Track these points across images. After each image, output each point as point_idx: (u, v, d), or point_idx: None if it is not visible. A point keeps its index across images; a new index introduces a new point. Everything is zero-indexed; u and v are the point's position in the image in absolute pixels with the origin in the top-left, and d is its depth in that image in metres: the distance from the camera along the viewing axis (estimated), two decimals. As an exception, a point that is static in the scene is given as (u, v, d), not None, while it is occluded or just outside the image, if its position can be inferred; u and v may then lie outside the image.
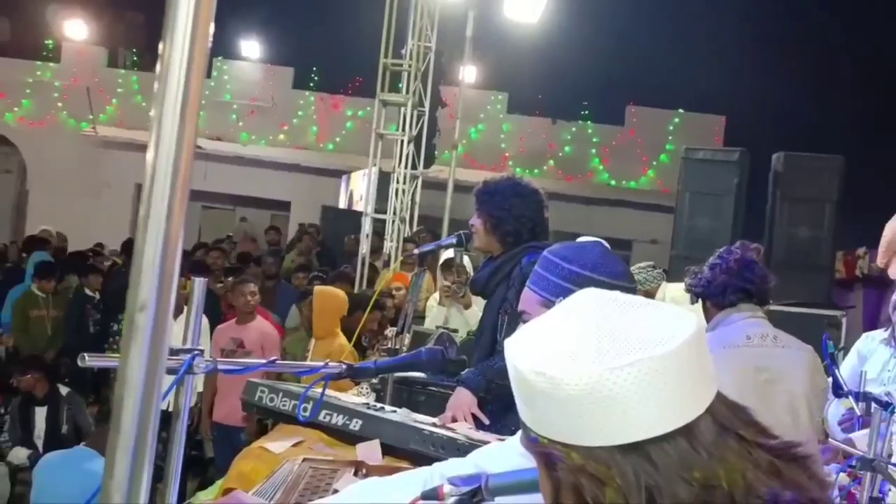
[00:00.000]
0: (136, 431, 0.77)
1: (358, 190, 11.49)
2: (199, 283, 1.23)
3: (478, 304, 5.06)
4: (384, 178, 9.91)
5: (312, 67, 14.59)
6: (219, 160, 13.99)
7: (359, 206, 11.09)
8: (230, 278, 6.77)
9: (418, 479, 1.33)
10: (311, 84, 14.59)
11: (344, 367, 1.47)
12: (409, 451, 2.12)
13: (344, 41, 15.19)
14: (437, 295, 5.18)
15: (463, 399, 2.45)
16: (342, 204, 12.47)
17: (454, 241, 2.77)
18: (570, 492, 0.70)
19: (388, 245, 8.10)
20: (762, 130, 11.74)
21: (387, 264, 7.63)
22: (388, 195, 9.48)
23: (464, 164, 13.39)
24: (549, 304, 1.46)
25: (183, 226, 0.78)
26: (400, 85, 8.46)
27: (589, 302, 0.76)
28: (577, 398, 0.68)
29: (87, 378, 6.52)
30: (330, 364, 1.42)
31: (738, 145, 6.93)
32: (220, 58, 14.33)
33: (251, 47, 14.46)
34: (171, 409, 1.22)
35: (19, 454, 5.39)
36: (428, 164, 9.13)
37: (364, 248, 7.81)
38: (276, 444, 2.15)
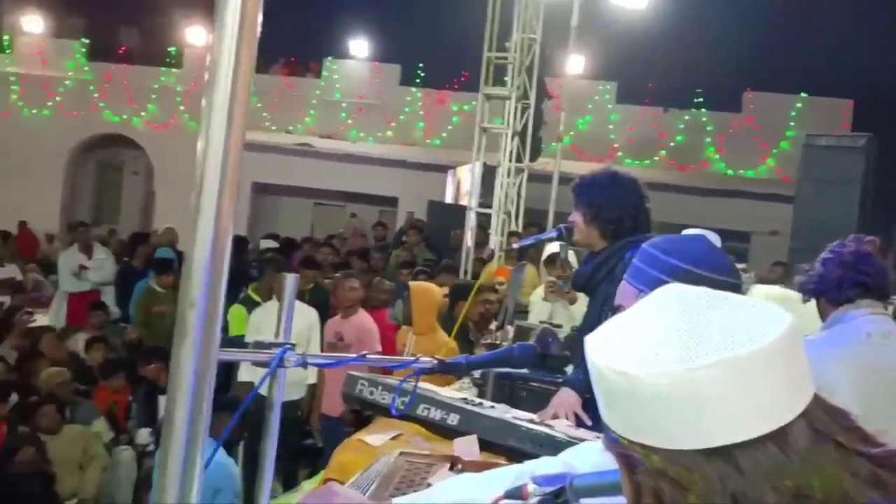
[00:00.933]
0: (187, 427, 0.77)
1: (464, 184, 11.52)
2: (290, 279, 1.25)
3: (583, 300, 4.96)
4: (489, 172, 9.90)
5: (418, 64, 14.74)
6: (329, 158, 14.40)
7: (464, 201, 11.13)
8: (338, 273, 6.93)
9: (509, 475, 1.30)
10: (418, 80, 14.74)
11: (435, 362, 1.45)
12: (506, 448, 2.08)
13: (449, 36, 15.27)
14: (541, 289, 5.10)
15: (566, 398, 2.39)
16: (449, 198, 12.55)
17: (554, 235, 2.71)
18: (650, 496, 0.66)
19: (494, 239, 8.08)
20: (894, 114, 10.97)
21: (490, 258, 7.61)
22: (493, 189, 9.47)
23: (571, 157, 13.18)
24: None
25: (231, 222, 0.78)
26: (505, 78, 8.40)
27: (673, 297, 0.71)
28: (659, 398, 0.64)
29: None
30: (421, 359, 1.41)
31: (867, 131, 6.50)
32: (329, 58, 14.72)
33: (359, 46, 14.76)
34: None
35: (143, 434, 5.72)
36: (534, 157, 9.04)
37: (469, 241, 7.81)
38: (375, 436, 2.17)
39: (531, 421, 2.20)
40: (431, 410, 2.28)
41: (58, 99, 14.94)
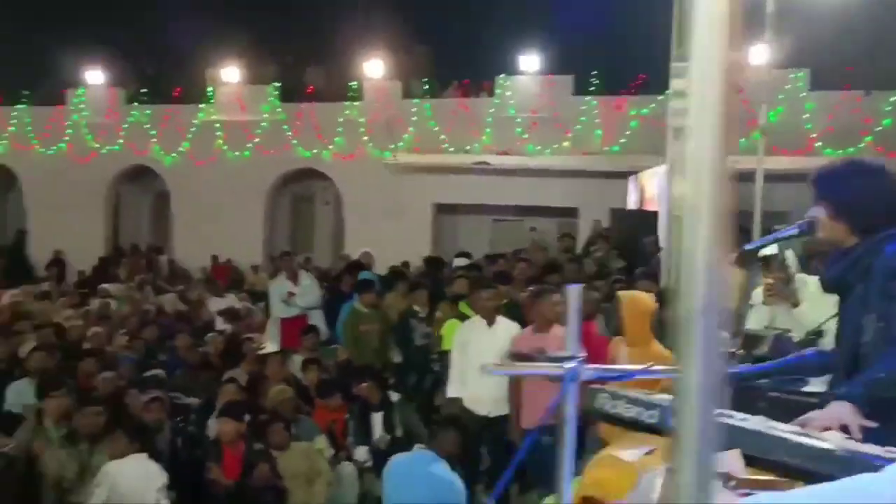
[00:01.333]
0: (699, 437, 0.75)
1: (649, 189, 11.17)
2: (573, 291, 1.22)
3: (809, 303, 4.59)
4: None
5: (591, 71, 14.51)
6: (506, 174, 14.51)
7: (650, 206, 10.79)
8: (531, 287, 6.92)
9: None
10: (592, 88, 14.52)
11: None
12: (775, 463, 1.94)
13: (622, 41, 14.96)
14: (758, 292, 4.79)
15: (840, 410, 2.18)
16: (631, 205, 12.23)
17: (795, 231, 2.52)
18: None
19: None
20: None
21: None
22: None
23: (764, 151, 12.43)
24: None
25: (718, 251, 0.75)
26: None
27: None
28: None
29: (410, 386, 7.04)
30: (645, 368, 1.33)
31: None
32: (501, 75, 14.85)
33: (530, 61, 14.78)
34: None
35: (361, 452, 5.97)
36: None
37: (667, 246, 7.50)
38: (627, 452, 2.10)
39: (796, 434, 2.04)
40: (684, 424, 2.18)
41: (256, 140, 16.16)
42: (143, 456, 4.87)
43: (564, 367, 1.12)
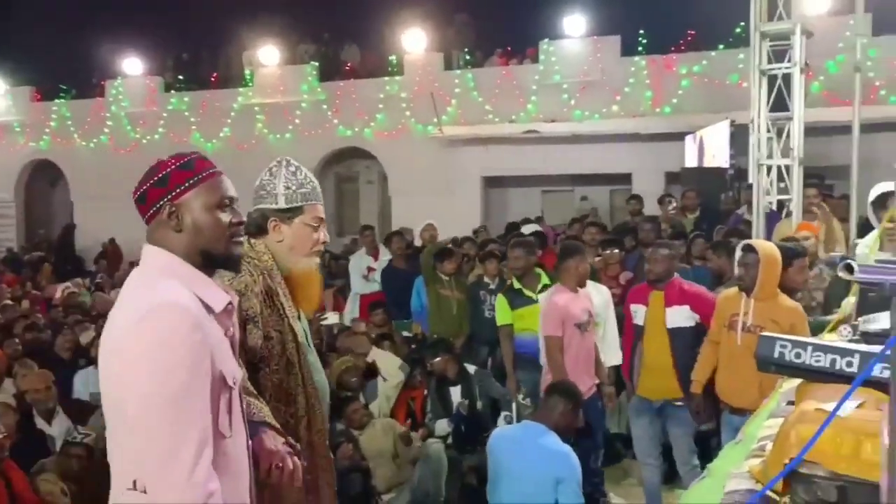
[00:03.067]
0: None
1: (711, 146, 10.72)
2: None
3: None
4: (740, 131, 9.10)
5: (639, 31, 14.01)
6: (555, 142, 14.09)
7: (713, 163, 10.36)
8: (608, 251, 6.62)
9: None
10: (640, 48, 14.02)
11: None
12: None
13: (668, -2, 14.40)
14: (869, 239, 4.43)
15: None
16: (690, 164, 11.77)
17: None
18: None
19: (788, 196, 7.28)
20: None
21: (787, 215, 6.88)
22: (746, 147, 8.64)
23: (822, 103, 11.89)
24: None
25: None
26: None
27: None
28: None
29: (483, 358, 6.77)
30: None
31: None
32: (545, 40, 14.41)
33: (574, 23, 14.29)
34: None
35: (441, 426, 5.75)
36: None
37: (763, 200, 7.04)
38: (832, 405, 1.79)
39: None
40: (898, 370, 1.86)
41: (297, 122, 15.97)
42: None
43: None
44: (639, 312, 4.80)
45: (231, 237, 1.93)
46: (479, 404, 5.74)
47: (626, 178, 14.11)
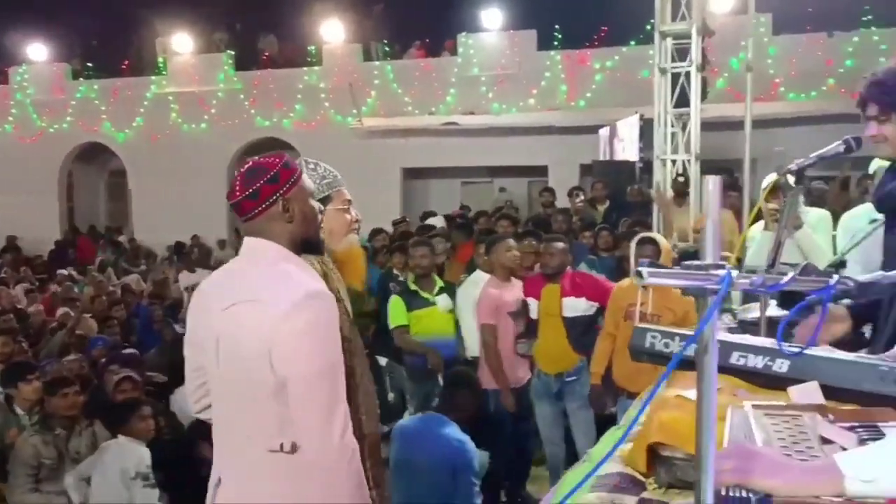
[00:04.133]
0: None
1: (621, 139, 11.05)
2: (713, 180, 1.03)
3: (807, 228, 4.49)
4: (650, 125, 9.40)
5: (555, 25, 14.27)
6: (474, 134, 14.27)
7: (623, 157, 10.69)
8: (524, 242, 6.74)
9: None
10: (556, 43, 14.29)
11: (853, 283, 1.20)
12: (861, 394, 1.79)
13: (583, -8, 14.70)
14: (759, 225, 4.69)
15: None
16: (602, 157, 12.09)
17: (842, 148, 2.36)
18: None
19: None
20: None
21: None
22: (652, 140, 8.95)
23: (727, 99, 12.38)
24: None
25: None
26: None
27: None
28: None
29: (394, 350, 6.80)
30: (841, 279, 1.16)
31: None
32: (463, 33, 14.53)
33: (492, 16, 14.47)
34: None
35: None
36: (703, 100, 8.46)
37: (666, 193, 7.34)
38: (691, 391, 1.93)
39: (881, 361, 1.89)
40: (750, 358, 2.02)
41: (213, 112, 15.65)
42: (124, 438, 4.62)
43: (715, 274, 0.93)
44: (532, 306, 4.92)
45: (320, 224, 2.24)
46: (390, 396, 5.79)
47: (543, 171, 14.40)
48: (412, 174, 15.43)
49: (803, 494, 1.12)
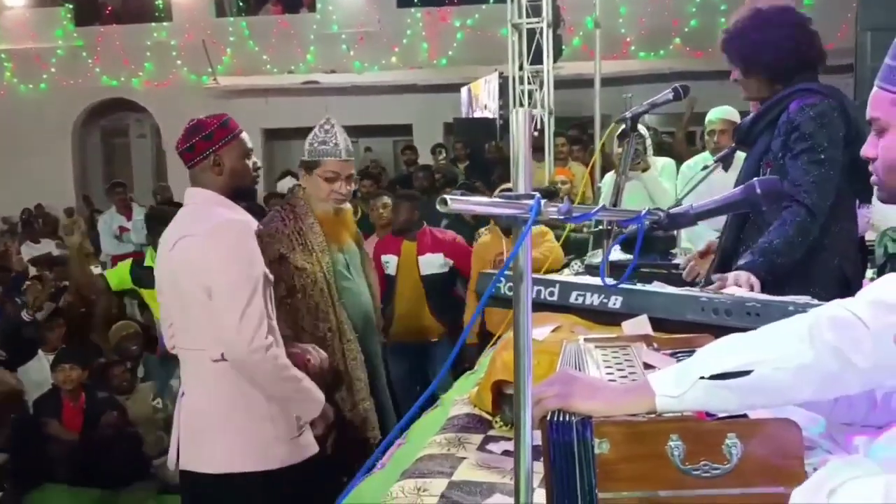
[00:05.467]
0: None
1: (481, 98, 11.18)
2: (520, 112, 1.04)
3: (654, 169, 4.74)
4: (507, 82, 9.56)
5: (414, -18, 14.17)
6: (336, 93, 13.99)
7: (484, 113, 10.83)
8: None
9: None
10: (416, 0, 14.19)
11: (662, 213, 1.26)
12: (685, 323, 1.91)
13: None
14: (610, 174, 4.90)
15: (738, 277, 2.17)
16: (464, 115, 12.21)
17: (671, 95, 2.49)
18: None
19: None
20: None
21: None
22: (512, 97, 9.11)
23: (582, 57, 12.75)
24: None
25: None
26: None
27: None
28: None
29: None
30: (650, 210, 1.22)
31: None
32: (322, -11, 14.16)
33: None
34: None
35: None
36: (556, 58, 8.68)
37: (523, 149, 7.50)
38: (534, 331, 1.99)
39: (704, 292, 2.02)
40: (587, 296, 2.11)
41: (52, 70, 14.53)
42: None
43: (525, 203, 0.95)
44: (390, 263, 4.87)
45: (254, 178, 2.62)
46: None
47: (407, 130, 14.37)
48: (273, 135, 14.99)
49: (620, 413, 1.18)
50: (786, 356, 1.11)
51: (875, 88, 1.29)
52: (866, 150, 1.35)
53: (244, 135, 2.60)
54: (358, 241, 3.43)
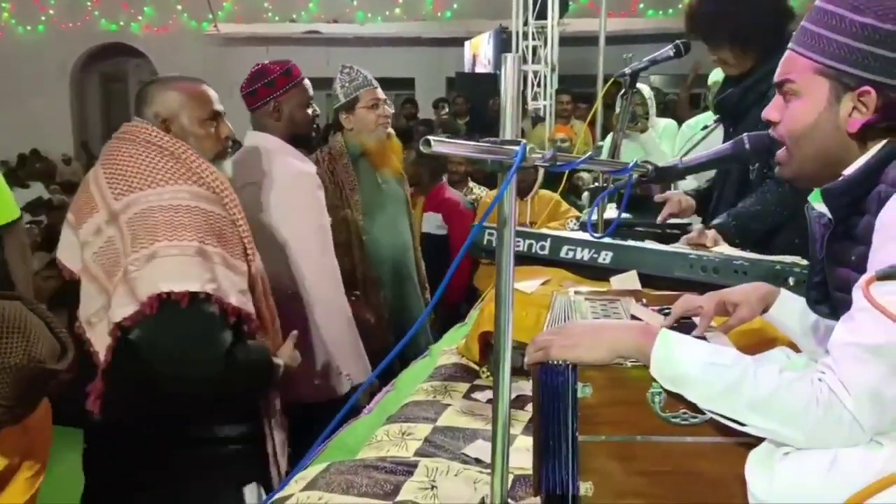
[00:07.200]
0: None
1: (482, 54, 11.05)
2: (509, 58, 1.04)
3: (654, 130, 4.72)
4: (508, 37, 9.45)
5: (420, -69, 13.89)
6: (338, 44, 13.79)
7: (487, 68, 10.72)
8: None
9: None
10: (421, -50, 13.93)
11: (651, 167, 1.26)
12: (671, 280, 1.92)
13: None
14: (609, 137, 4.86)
15: (712, 237, 2.18)
16: (467, 69, 12.08)
17: (671, 52, 2.45)
18: None
19: (542, 101, 7.72)
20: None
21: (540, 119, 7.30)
22: (515, 52, 9.00)
23: (589, 14, 12.57)
24: (828, 73, 1.15)
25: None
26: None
27: None
28: None
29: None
30: (639, 162, 1.21)
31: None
32: (326, -64, 13.89)
33: (356, -80, 13.87)
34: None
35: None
36: (563, 13, 8.56)
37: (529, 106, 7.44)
38: (523, 284, 2.00)
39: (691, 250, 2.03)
40: (578, 251, 2.12)
41: (51, 13, 14.30)
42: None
43: (510, 149, 0.94)
44: None
45: (312, 126, 2.70)
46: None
47: (410, 84, 14.20)
48: (274, 85, 14.84)
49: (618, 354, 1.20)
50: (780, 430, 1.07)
51: (789, 52, 1.22)
52: (769, 113, 1.27)
53: (306, 82, 2.67)
54: (402, 179, 3.45)
